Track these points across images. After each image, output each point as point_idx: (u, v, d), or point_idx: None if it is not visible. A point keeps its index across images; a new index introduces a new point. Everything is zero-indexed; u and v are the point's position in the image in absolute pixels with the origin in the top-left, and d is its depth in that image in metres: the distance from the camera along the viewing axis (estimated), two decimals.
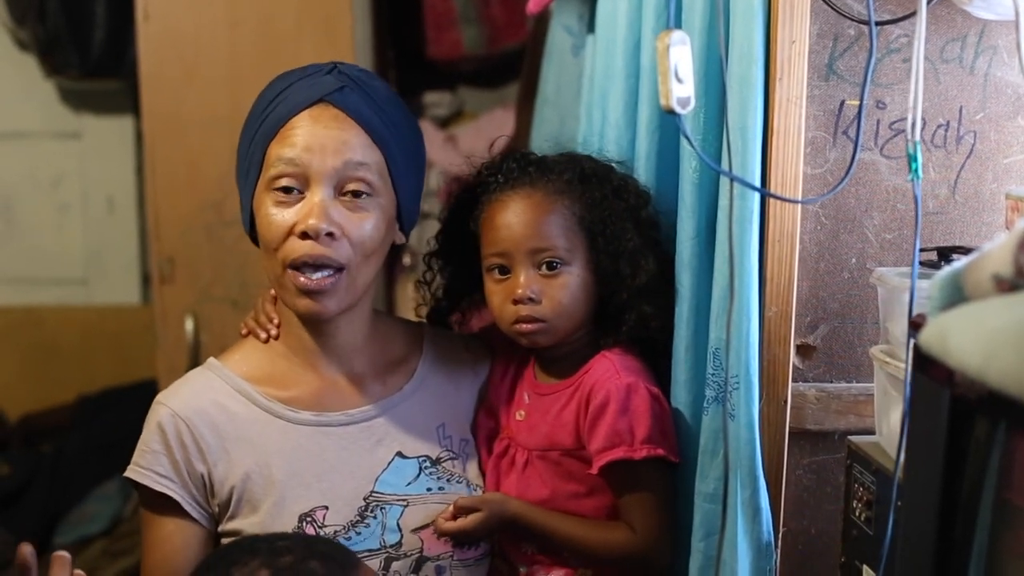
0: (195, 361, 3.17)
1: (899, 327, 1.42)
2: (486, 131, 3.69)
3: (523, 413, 1.82)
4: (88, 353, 4.39)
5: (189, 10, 3.23)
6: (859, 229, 1.61)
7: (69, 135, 4.42)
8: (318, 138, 1.65)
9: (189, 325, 3.24)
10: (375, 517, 1.71)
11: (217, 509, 1.71)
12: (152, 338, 3.35)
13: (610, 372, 1.72)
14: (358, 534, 1.69)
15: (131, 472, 1.72)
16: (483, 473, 1.83)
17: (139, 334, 4.11)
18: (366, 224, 1.66)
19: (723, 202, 1.60)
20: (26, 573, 1.39)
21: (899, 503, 1.34)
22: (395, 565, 1.71)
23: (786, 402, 1.60)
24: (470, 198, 1.83)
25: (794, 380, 1.61)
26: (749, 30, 1.56)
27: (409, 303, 3.06)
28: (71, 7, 3.94)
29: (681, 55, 1.32)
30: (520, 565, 1.79)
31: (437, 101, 3.89)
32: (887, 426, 1.47)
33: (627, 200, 1.76)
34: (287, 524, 1.67)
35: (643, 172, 1.83)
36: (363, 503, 1.72)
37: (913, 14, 1.44)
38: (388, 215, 1.71)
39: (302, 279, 1.64)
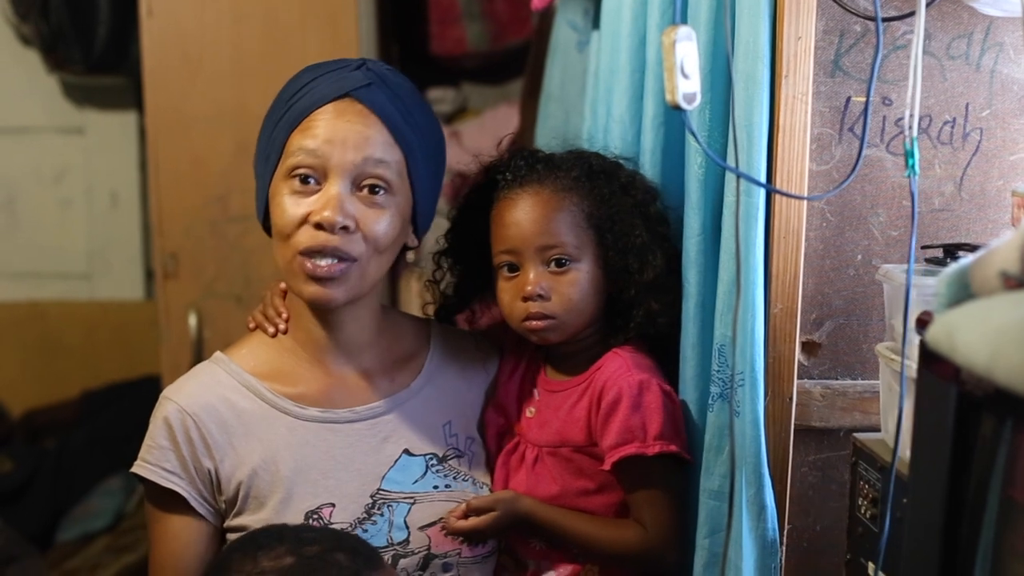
0: (198, 356, 3.18)
1: (909, 324, 1.41)
2: (490, 127, 3.69)
3: (533, 410, 1.82)
4: (92, 348, 4.39)
5: (193, 6, 3.23)
6: (865, 226, 1.61)
7: (73, 130, 4.42)
8: (340, 131, 1.64)
9: (192, 320, 3.24)
10: (382, 515, 1.71)
11: (224, 505, 1.70)
12: (156, 333, 3.35)
13: (623, 369, 1.72)
14: (365, 532, 1.68)
15: (138, 468, 1.71)
16: (491, 470, 1.83)
17: (142, 329, 4.12)
18: (381, 220, 1.66)
19: (729, 198, 1.60)
20: None
21: (904, 500, 1.33)
22: (402, 563, 1.70)
23: (791, 399, 1.60)
24: (479, 197, 1.83)
25: (799, 377, 1.61)
26: (755, 26, 1.55)
27: (413, 299, 3.06)
28: (74, 2, 3.93)
29: (687, 51, 1.32)
30: (528, 561, 1.79)
31: (441, 97, 3.89)
32: (893, 423, 1.47)
33: (635, 196, 1.77)
34: (293, 521, 1.65)
35: (648, 168, 1.83)
36: (370, 501, 1.71)
37: None
38: (403, 215, 1.70)
39: (311, 265, 1.64)
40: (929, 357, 1.11)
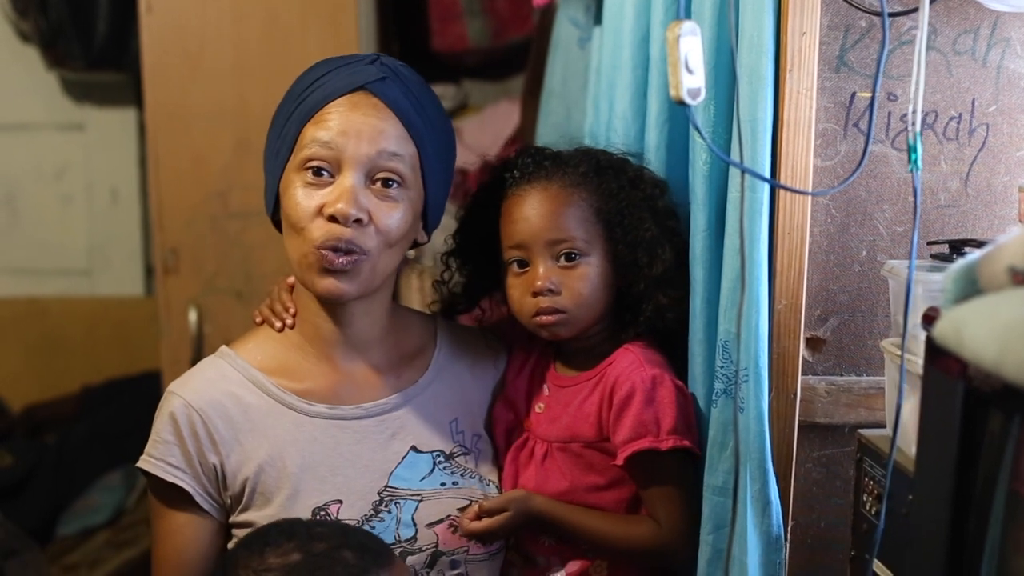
0: (199, 352, 3.18)
1: (911, 320, 1.41)
2: (490, 124, 3.69)
3: (543, 405, 1.82)
4: (92, 344, 4.39)
5: (193, 2, 3.23)
6: (870, 222, 1.60)
7: (72, 127, 4.42)
8: (355, 124, 1.64)
9: (193, 316, 3.24)
10: (389, 512, 1.71)
11: (229, 501, 1.70)
12: (156, 329, 3.35)
13: (635, 364, 1.72)
14: (372, 529, 1.68)
15: (143, 462, 1.70)
16: (499, 467, 1.83)
17: (143, 325, 4.12)
18: (394, 214, 1.66)
19: (732, 194, 1.60)
20: None
21: (909, 497, 1.33)
22: (410, 560, 1.70)
23: (796, 395, 1.60)
24: (486, 196, 1.83)
25: (804, 373, 1.61)
26: (759, 21, 1.55)
27: (413, 295, 3.06)
28: None
29: (691, 45, 1.31)
30: (537, 557, 1.79)
31: (441, 94, 3.85)
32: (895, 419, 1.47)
33: (644, 190, 1.77)
34: (301, 517, 1.66)
35: (653, 165, 1.83)
36: (377, 498, 1.71)
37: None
38: (415, 209, 1.70)
39: (324, 257, 1.63)
40: (936, 353, 1.11)
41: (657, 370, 1.71)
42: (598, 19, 2.25)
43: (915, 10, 1.53)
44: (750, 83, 1.55)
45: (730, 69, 1.62)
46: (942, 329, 1.09)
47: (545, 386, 1.83)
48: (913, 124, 1.40)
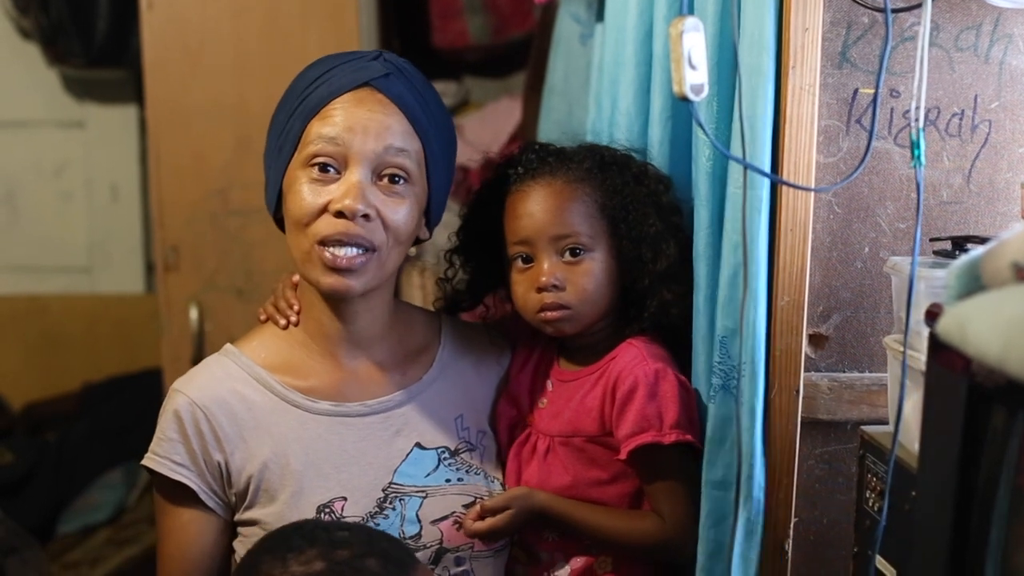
0: (199, 350, 3.18)
1: (913, 316, 1.41)
2: (491, 121, 3.69)
3: (546, 401, 1.82)
4: (92, 342, 4.39)
5: None
6: (872, 218, 1.60)
7: (73, 124, 4.42)
8: (361, 120, 1.64)
9: (193, 314, 3.24)
10: (394, 509, 1.71)
11: (234, 498, 1.70)
12: (156, 327, 3.35)
13: (638, 359, 1.72)
14: (377, 526, 1.68)
15: (147, 460, 1.70)
16: (503, 462, 1.83)
17: (143, 323, 4.12)
18: (400, 209, 1.66)
19: (732, 190, 1.60)
20: None
21: (913, 493, 1.33)
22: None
23: (798, 392, 1.59)
24: (490, 193, 1.83)
25: (806, 370, 1.60)
26: (761, 17, 1.55)
27: (414, 292, 3.06)
28: None
29: (695, 41, 1.31)
30: (541, 553, 1.79)
31: (442, 91, 3.82)
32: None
33: (648, 186, 1.77)
34: (305, 515, 1.66)
35: (656, 161, 1.83)
36: (382, 494, 1.71)
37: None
38: (420, 205, 1.70)
39: (330, 255, 1.63)
40: (939, 349, 1.11)
41: (660, 364, 1.71)
42: (600, 16, 2.25)
43: (918, 6, 1.53)
44: (752, 79, 1.55)
45: (732, 65, 1.62)
46: (945, 325, 1.08)
47: (548, 381, 1.84)
48: (916, 120, 1.39)
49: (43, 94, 4.38)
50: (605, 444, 1.74)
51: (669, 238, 1.74)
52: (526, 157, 1.80)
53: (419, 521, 1.71)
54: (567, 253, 1.73)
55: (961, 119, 1.59)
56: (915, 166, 1.40)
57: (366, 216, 1.62)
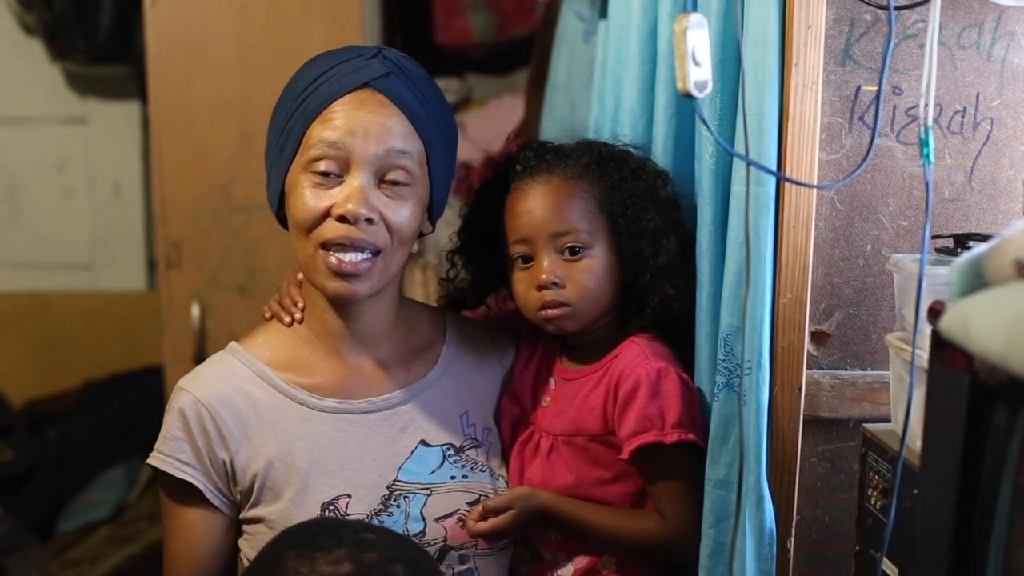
0: (201, 347, 3.17)
1: (917, 313, 1.41)
2: (494, 118, 3.69)
3: (549, 399, 1.82)
4: (94, 338, 4.39)
5: None
6: (874, 215, 1.60)
7: (75, 120, 4.42)
8: (362, 123, 1.63)
9: (195, 311, 3.23)
10: (398, 506, 1.71)
11: (239, 496, 1.70)
12: (158, 324, 3.34)
13: (640, 357, 1.72)
14: (381, 523, 1.67)
15: (153, 459, 1.70)
16: (506, 460, 1.83)
17: (145, 320, 4.12)
18: (403, 211, 1.65)
19: (736, 187, 1.60)
20: None
21: (915, 491, 1.33)
22: None
23: (800, 389, 1.59)
24: (490, 192, 1.83)
25: (808, 367, 1.60)
26: (765, 14, 1.55)
27: (417, 289, 3.06)
28: None
29: (699, 38, 1.31)
30: (544, 552, 1.79)
31: (445, 88, 3.83)
32: (903, 413, 1.46)
33: (646, 181, 1.77)
34: (310, 512, 1.66)
35: (660, 158, 1.83)
36: (386, 492, 1.71)
37: None
38: (423, 204, 1.70)
39: (335, 260, 1.63)
40: (941, 346, 1.11)
41: (662, 363, 1.71)
42: (603, 13, 2.25)
43: (921, 3, 1.53)
44: (756, 76, 1.55)
45: (736, 63, 1.62)
46: (948, 322, 1.08)
47: (551, 379, 1.83)
48: (924, 118, 1.39)
49: (46, 90, 4.38)
50: (608, 443, 1.74)
51: (669, 232, 1.74)
52: (524, 155, 1.80)
53: (423, 518, 1.71)
54: (566, 251, 1.73)
55: (963, 117, 1.59)
56: (924, 164, 1.39)
57: (369, 220, 1.62)
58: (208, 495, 1.68)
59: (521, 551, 1.81)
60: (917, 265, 1.41)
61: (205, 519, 1.70)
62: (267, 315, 1.81)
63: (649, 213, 1.74)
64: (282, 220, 1.74)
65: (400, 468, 1.73)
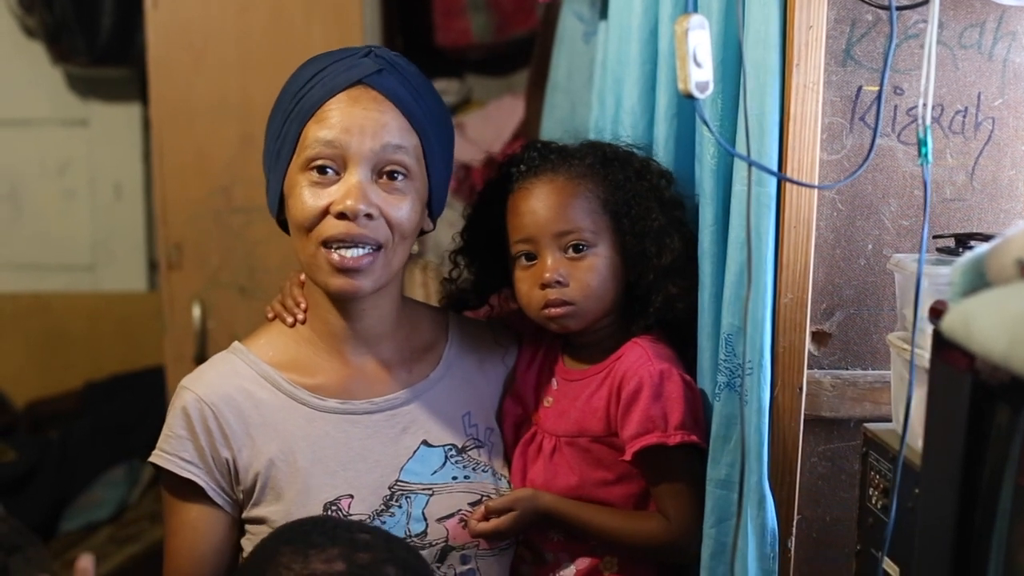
0: (202, 347, 3.18)
1: (918, 313, 1.41)
2: (494, 119, 3.69)
3: (551, 400, 1.82)
4: (95, 339, 4.39)
5: None
6: (875, 215, 1.60)
7: (76, 122, 4.42)
8: (357, 120, 1.63)
9: (196, 311, 3.23)
10: (400, 506, 1.71)
11: (241, 496, 1.70)
12: (159, 325, 3.35)
13: (643, 359, 1.72)
14: (383, 523, 1.68)
15: (155, 457, 1.70)
16: (509, 461, 1.83)
17: (146, 321, 4.12)
18: (403, 206, 1.66)
19: (738, 187, 1.60)
20: None
21: (916, 491, 1.33)
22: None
23: (801, 389, 1.59)
24: (493, 192, 1.83)
25: (809, 367, 1.60)
26: (766, 15, 1.55)
27: (417, 289, 3.06)
28: None
29: (700, 39, 1.31)
30: (546, 552, 1.79)
31: (445, 89, 3.87)
32: (904, 413, 1.47)
33: (650, 180, 1.77)
34: (312, 512, 1.65)
35: (661, 159, 1.83)
36: (388, 492, 1.71)
37: None
38: (422, 199, 1.70)
39: (337, 256, 1.63)
40: (943, 346, 1.11)
41: (665, 364, 1.71)
42: (603, 13, 2.25)
43: (922, 3, 1.53)
44: (757, 77, 1.55)
45: (737, 63, 1.62)
46: (950, 322, 1.08)
47: (554, 380, 1.83)
48: (923, 118, 1.39)
49: (47, 92, 4.38)
50: (610, 444, 1.74)
51: (673, 232, 1.74)
52: (528, 155, 1.80)
53: (425, 519, 1.71)
54: (570, 249, 1.73)
55: (965, 116, 1.59)
56: (922, 164, 1.40)
57: (369, 215, 1.62)
58: (210, 493, 1.69)
59: (523, 552, 1.81)
60: (919, 264, 1.41)
61: (207, 517, 1.70)
62: (269, 315, 1.82)
63: (653, 213, 1.74)
64: (282, 224, 1.74)
65: (402, 468, 1.73)
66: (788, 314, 1.58)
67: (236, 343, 1.78)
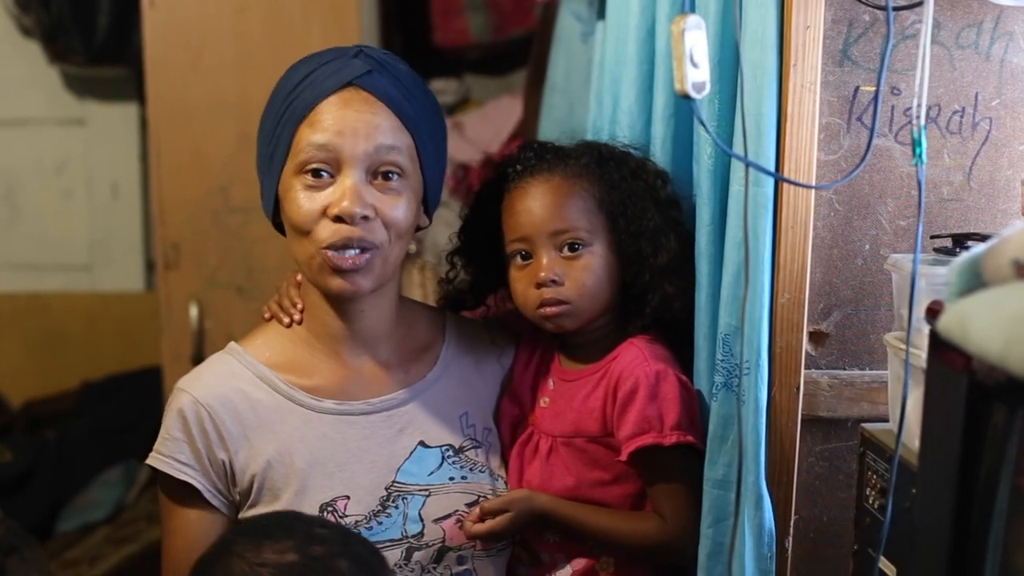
0: (200, 347, 3.17)
1: (914, 314, 1.41)
2: (492, 119, 3.69)
3: (548, 400, 1.82)
4: (92, 339, 4.39)
5: None
6: (873, 216, 1.60)
7: (73, 122, 4.41)
8: (349, 122, 1.63)
9: (194, 311, 3.23)
10: (397, 507, 1.71)
11: (238, 497, 1.70)
12: (157, 325, 3.34)
13: (639, 359, 1.72)
14: (380, 524, 1.68)
15: (152, 460, 1.70)
16: (506, 461, 1.83)
17: (143, 320, 4.12)
18: (398, 206, 1.66)
19: (735, 188, 1.60)
20: None
21: (913, 491, 1.33)
22: (417, 555, 1.70)
23: (798, 389, 1.60)
24: (489, 192, 1.83)
25: (807, 367, 1.60)
26: (763, 15, 1.55)
27: (415, 289, 3.06)
28: None
29: (697, 39, 1.31)
30: (542, 553, 1.79)
31: (443, 88, 3.88)
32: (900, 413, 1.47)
33: (646, 180, 1.77)
34: (304, 512, 1.65)
35: (658, 159, 1.82)
36: (385, 493, 1.71)
37: None
38: (417, 198, 1.70)
39: (335, 258, 1.63)
40: (939, 346, 1.11)
41: (661, 365, 1.71)
42: (601, 13, 2.25)
43: (919, 4, 1.53)
44: (754, 77, 1.55)
45: (734, 63, 1.62)
46: (946, 322, 1.08)
47: (550, 380, 1.83)
48: (918, 118, 1.40)
49: (44, 92, 4.38)
50: (607, 445, 1.74)
51: (669, 232, 1.74)
52: (524, 155, 1.80)
53: (421, 520, 1.71)
54: (565, 248, 1.73)
55: (962, 117, 1.59)
56: (916, 164, 1.40)
57: (365, 217, 1.62)
58: (207, 495, 1.69)
59: (520, 552, 1.81)
60: (913, 264, 1.41)
61: (204, 519, 1.70)
62: (266, 316, 1.81)
63: (649, 212, 1.74)
64: (278, 226, 1.74)
65: (399, 469, 1.73)
66: (785, 314, 1.58)
67: (232, 344, 1.78)
